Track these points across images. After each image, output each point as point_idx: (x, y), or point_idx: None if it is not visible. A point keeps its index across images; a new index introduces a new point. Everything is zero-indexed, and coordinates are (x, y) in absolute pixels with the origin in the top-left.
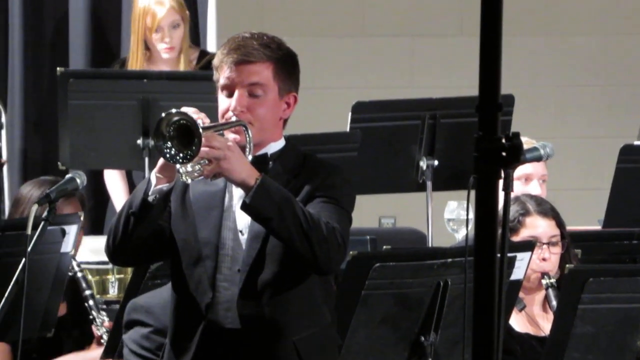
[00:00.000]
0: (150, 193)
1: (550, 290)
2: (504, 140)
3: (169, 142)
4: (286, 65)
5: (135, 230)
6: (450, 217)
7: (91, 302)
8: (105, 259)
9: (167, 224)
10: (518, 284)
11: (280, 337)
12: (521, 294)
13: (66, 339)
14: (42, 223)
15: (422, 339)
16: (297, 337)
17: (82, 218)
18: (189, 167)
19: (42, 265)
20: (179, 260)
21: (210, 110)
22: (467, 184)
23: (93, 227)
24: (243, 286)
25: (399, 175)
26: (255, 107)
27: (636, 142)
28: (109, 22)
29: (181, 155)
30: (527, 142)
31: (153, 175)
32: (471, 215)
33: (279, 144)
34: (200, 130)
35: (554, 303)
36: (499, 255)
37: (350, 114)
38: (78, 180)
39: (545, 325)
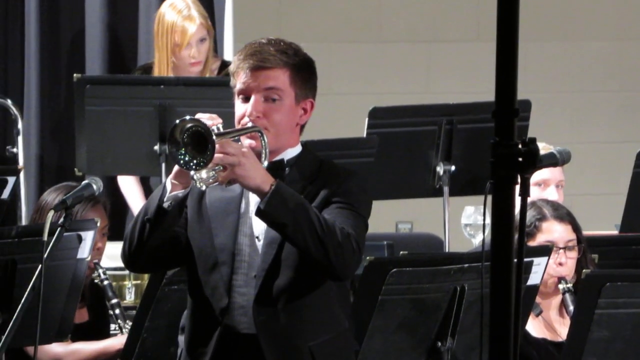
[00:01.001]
0: (165, 199)
1: (567, 295)
2: (520, 146)
3: (183, 149)
4: (303, 71)
5: (151, 237)
6: (467, 222)
7: (117, 311)
8: (122, 264)
9: (183, 230)
10: (535, 289)
11: (296, 343)
12: (538, 299)
13: None
14: (59, 229)
15: (439, 344)
16: (312, 342)
17: (98, 224)
18: (203, 174)
19: (59, 272)
20: (195, 266)
21: (227, 116)
22: (483, 189)
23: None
24: (259, 292)
25: (416, 181)
26: (271, 112)
27: None
28: (125, 32)
29: (195, 161)
30: (543, 147)
31: (168, 182)
32: (488, 221)
33: (296, 150)
34: (214, 136)
35: (571, 308)
36: (515, 260)
37: (367, 119)
38: (94, 187)
39: (562, 330)
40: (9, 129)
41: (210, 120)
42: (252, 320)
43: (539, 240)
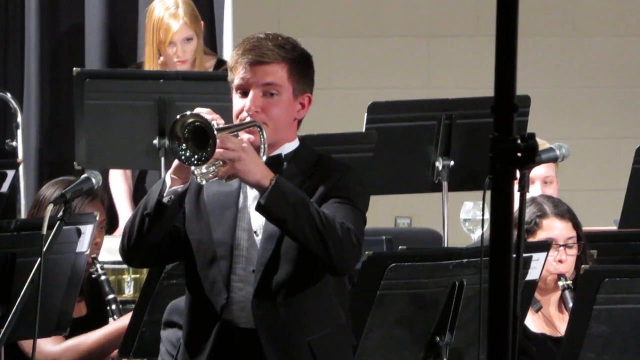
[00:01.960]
0: (165, 194)
1: (566, 292)
2: (519, 141)
3: (184, 144)
4: (301, 66)
5: (150, 231)
6: (466, 218)
7: (114, 307)
8: (121, 258)
9: (182, 225)
10: (534, 284)
11: (295, 337)
12: (537, 295)
13: None
14: (58, 223)
15: (438, 339)
16: (311, 337)
17: (97, 218)
18: (203, 169)
19: (58, 265)
20: (193, 261)
21: (226, 110)
22: (482, 184)
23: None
24: (257, 286)
25: (415, 176)
26: (270, 107)
27: None
28: (125, 27)
29: (196, 157)
30: (542, 143)
31: (168, 177)
32: (487, 216)
33: (293, 144)
34: (215, 132)
35: (571, 304)
36: (514, 255)
37: (366, 114)
38: (93, 180)
39: (561, 325)
40: (8, 123)
41: (210, 115)
42: (250, 315)
43: (539, 237)
